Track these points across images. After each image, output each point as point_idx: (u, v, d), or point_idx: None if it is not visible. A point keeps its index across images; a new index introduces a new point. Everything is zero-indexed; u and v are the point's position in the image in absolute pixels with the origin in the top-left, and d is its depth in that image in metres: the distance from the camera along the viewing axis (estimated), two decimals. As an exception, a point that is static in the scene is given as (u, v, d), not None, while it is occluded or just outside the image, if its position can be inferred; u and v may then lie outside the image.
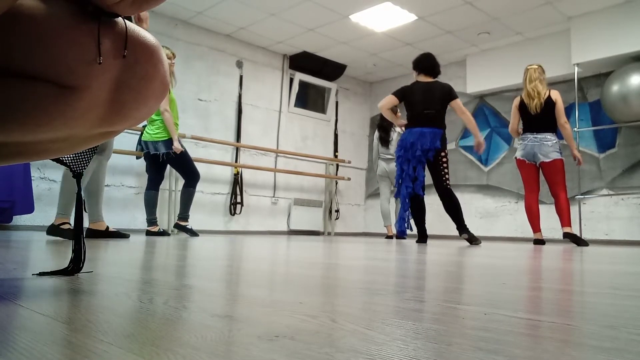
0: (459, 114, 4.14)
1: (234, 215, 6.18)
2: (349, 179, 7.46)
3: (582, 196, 5.41)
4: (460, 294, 0.85)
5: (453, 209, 3.96)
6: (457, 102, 4.09)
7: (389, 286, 0.91)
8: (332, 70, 7.19)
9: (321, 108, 7.53)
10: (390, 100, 4.16)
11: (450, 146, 6.70)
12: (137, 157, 5.14)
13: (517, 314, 0.63)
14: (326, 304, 0.67)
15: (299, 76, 6.99)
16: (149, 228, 4.35)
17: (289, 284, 0.93)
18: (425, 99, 4.03)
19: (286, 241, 3.57)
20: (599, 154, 5.57)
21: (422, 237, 4.12)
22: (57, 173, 4.83)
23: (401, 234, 4.19)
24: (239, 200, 6.21)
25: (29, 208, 4.38)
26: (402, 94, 4.16)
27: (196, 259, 1.55)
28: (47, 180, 4.77)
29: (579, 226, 5.12)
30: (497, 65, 6.31)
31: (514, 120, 4.55)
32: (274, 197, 6.68)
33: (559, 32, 5.75)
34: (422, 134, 3.96)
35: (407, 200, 4.04)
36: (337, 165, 7.46)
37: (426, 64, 4.13)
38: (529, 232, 5.53)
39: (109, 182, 5.17)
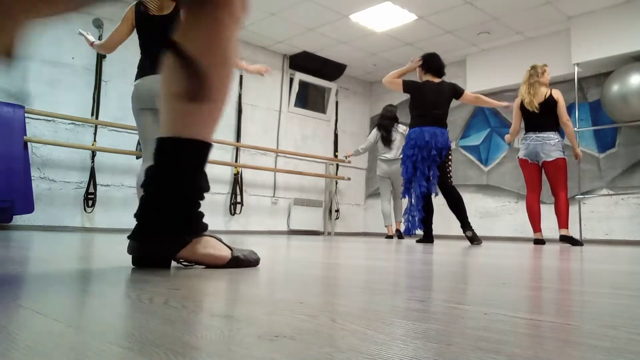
0: (475, 102, 4.31)
1: (234, 215, 6.18)
2: (349, 178, 7.46)
3: (582, 196, 5.40)
4: (460, 293, 0.85)
5: (457, 206, 3.96)
6: (467, 94, 4.18)
7: (389, 286, 0.91)
8: (332, 70, 7.19)
9: (321, 108, 7.53)
10: (396, 85, 4.18)
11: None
12: (137, 157, 5.14)
13: (517, 314, 0.63)
14: (326, 304, 0.67)
15: (299, 76, 6.99)
16: None
17: (289, 283, 0.93)
18: (436, 99, 4.04)
19: (286, 241, 3.57)
20: (599, 153, 5.57)
21: (428, 238, 4.09)
22: (57, 173, 4.83)
23: (412, 234, 4.15)
24: (239, 200, 6.20)
25: (28, 208, 4.38)
26: (410, 89, 4.14)
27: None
28: (47, 180, 4.77)
29: (579, 226, 5.12)
30: (497, 65, 6.31)
31: (515, 122, 4.54)
32: (274, 197, 6.68)
33: (559, 32, 5.75)
34: (435, 134, 3.95)
35: (420, 199, 3.99)
36: (337, 165, 7.46)
37: (434, 65, 4.14)
38: (529, 232, 5.52)
39: (109, 182, 5.17)
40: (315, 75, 7.13)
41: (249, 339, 0.44)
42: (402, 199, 4.78)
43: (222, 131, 6.13)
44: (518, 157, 4.51)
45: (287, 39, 6.35)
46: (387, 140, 5.82)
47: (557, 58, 5.65)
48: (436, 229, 6.75)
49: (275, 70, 6.83)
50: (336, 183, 7.38)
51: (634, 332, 0.52)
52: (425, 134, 3.96)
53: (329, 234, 7.16)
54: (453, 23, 5.73)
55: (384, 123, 5.85)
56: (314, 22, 5.84)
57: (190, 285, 0.86)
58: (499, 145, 6.39)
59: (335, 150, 7.53)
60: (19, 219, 4.47)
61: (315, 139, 7.34)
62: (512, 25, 5.74)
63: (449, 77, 6.97)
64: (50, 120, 4.81)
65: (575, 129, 5.31)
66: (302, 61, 6.86)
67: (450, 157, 4.04)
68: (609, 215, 5.42)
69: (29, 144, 4.50)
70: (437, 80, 4.11)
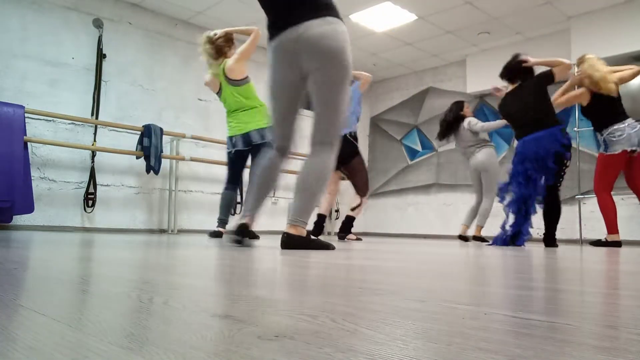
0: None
1: (234, 214, 6.17)
2: (349, 178, 7.45)
3: (582, 196, 5.40)
4: (460, 294, 0.85)
5: (550, 214, 3.88)
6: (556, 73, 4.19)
7: (389, 286, 0.91)
8: (332, 70, 7.17)
9: (321, 108, 7.52)
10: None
11: (450, 146, 6.70)
12: (137, 157, 5.14)
13: (517, 314, 0.63)
14: (326, 304, 0.67)
15: (299, 76, 6.98)
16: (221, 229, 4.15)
17: (289, 284, 0.93)
18: (518, 106, 4.21)
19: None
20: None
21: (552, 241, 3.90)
22: (57, 173, 4.83)
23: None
24: (239, 199, 6.20)
25: (28, 208, 4.38)
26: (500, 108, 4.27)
27: (196, 258, 1.55)
28: (47, 180, 4.76)
29: (579, 226, 5.12)
30: (497, 65, 6.27)
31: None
32: (274, 197, 6.68)
33: (559, 32, 5.75)
34: (536, 139, 3.88)
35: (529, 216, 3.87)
36: (337, 165, 7.45)
37: (504, 72, 4.20)
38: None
39: (108, 182, 5.17)
40: (315, 75, 7.12)
41: (249, 339, 0.44)
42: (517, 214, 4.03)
43: (222, 131, 6.13)
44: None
45: (287, 39, 6.34)
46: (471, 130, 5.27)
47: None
48: (436, 229, 6.75)
49: (275, 70, 6.82)
50: (336, 183, 7.37)
51: (634, 332, 0.52)
52: (526, 144, 3.82)
53: (329, 234, 7.16)
54: (453, 23, 5.73)
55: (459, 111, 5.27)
56: (314, 22, 5.83)
57: (190, 285, 0.86)
58: (499, 145, 6.38)
59: (335, 150, 7.51)
60: (19, 219, 4.47)
61: (315, 139, 7.32)
62: (512, 25, 5.74)
63: (449, 77, 6.99)
64: (50, 120, 4.81)
65: (575, 129, 5.32)
66: (302, 61, 6.85)
67: (566, 162, 3.78)
68: (609, 215, 5.41)
69: (29, 144, 4.50)
70: (513, 86, 4.05)
